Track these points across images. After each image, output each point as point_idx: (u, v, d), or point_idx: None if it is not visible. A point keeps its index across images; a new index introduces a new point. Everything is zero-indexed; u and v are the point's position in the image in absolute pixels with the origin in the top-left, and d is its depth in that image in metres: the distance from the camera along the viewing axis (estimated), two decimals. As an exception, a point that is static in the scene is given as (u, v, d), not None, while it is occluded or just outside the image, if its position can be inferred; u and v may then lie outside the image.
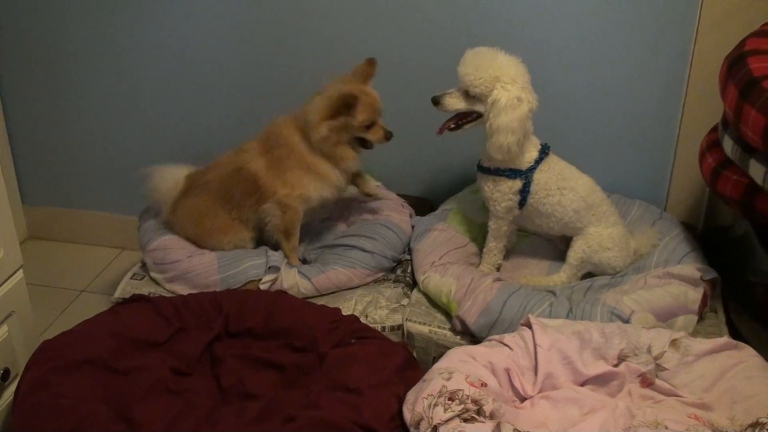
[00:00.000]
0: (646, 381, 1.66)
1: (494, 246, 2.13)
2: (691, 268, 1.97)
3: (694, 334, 1.82)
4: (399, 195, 2.43)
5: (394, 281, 2.15)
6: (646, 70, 2.25)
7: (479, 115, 1.98)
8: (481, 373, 1.61)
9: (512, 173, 2.01)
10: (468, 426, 1.45)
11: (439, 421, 1.46)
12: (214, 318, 1.84)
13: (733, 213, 2.17)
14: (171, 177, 2.20)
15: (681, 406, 1.58)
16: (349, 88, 2.04)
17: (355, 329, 1.80)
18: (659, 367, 1.66)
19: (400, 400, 1.59)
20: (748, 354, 1.62)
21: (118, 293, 2.10)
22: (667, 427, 1.48)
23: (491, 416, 1.50)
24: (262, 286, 2.03)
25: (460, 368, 1.60)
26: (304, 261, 2.22)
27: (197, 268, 2.06)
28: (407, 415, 1.54)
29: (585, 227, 2.08)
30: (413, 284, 2.13)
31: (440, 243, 2.15)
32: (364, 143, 2.12)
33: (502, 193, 2.03)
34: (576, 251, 2.09)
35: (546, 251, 2.26)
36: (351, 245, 2.16)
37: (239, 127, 2.60)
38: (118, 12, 2.49)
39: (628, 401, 1.62)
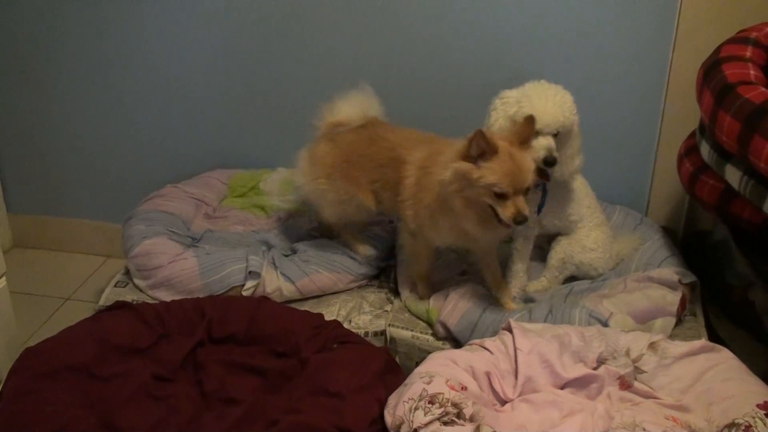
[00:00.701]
0: (624, 384, 1.67)
1: (520, 268, 2.05)
2: (670, 271, 1.99)
3: (673, 337, 1.84)
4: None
5: (378, 287, 2.17)
6: (625, 79, 2.29)
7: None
8: (461, 376, 1.62)
9: (539, 184, 1.92)
10: (447, 429, 1.46)
11: (419, 425, 1.47)
12: (197, 324, 1.85)
13: (712, 218, 2.20)
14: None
15: (659, 408, 1.60)
16: (493, 137, 1.69)
17: (337, 334, 1.81)
18: (638, 370, 1.68)
19: (382, 404, 1.60)
20: (725, 356, 1.64)
21: (103, 301, 2.10)
22: (644, 429, 1.49)
23: (471, 419, 1.51)
24: (245, 293, 2.04)
25: (441, 372, 1.61)
26: (293, 251, 2.21)
27: (179, 274, 2.07)
28: (388, 418, 1.55)
29: (581, 220, 2.08)
30: (397, 289, 2.15)
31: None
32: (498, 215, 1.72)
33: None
34: (557, 252, 2.09)
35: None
36: (339, 247, 2.18)
37: (225, 136, 2.62)
38: (105, 19, 2.50)
39: (607, 404, 1.63)
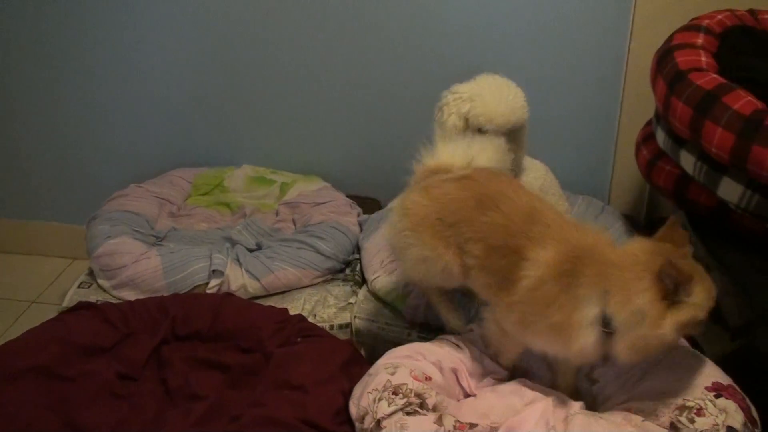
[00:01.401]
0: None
1: None
2: (630, 258, 2.01)
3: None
4: (348, 196, 2.46)
5: (343, 280, 2.17)
6: (583, 69, 2.32)
7: None
8: (427, 368, 1.63)
9: None
10: (410, 419, 1.47)
11: (383, 415, 1.48)
12: (161, 322, 1.84)
13: (671, 204, 2.23)
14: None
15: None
16: (680, 264, 1.34)
17: (301, 328, 1.82)
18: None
19: (346, 395, 1.61)
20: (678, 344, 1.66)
21: (66, 302, 2.09)
22: (602, 417, 1.51)
23: (434, 409, 1.52)
24: (210, 291, 2.03)
25: (405, 363, 1.62)
26: (258, 247, 2.21)
27: (143, 274, 2.06)
28: (353, 409, 1.56)
29: None
30: (362, 282, 2.15)
31: (389, 240, 2.16)
32: None
33: None
34: None
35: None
36: (304, 243, 2.17)
37: (188, 134, 2.62)
38: (64, 22, 2.49)
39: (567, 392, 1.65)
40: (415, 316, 1.96)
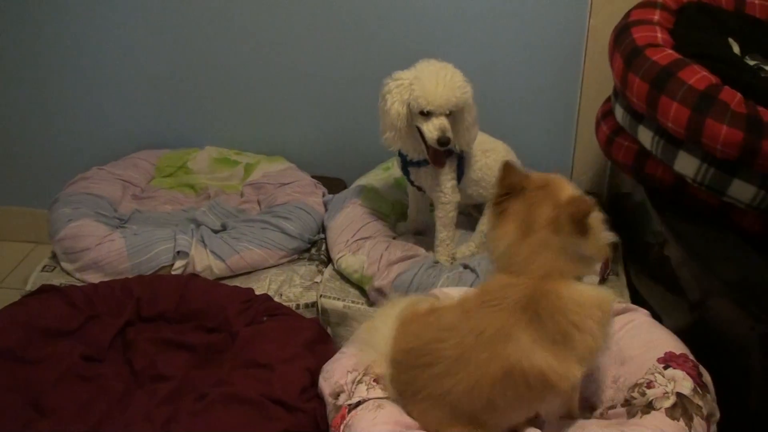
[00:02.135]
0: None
1: (446, 236, 2.06)
2: (592, 232, 2.04)
3: (596, 295, 1.88)
4: (313, 177, 2.46)
5: (309, 259, 2.18)
6: (544, 47, 2.33)
7: None
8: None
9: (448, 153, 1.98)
10: (386, 402, 1.48)
11: (360, 398, 1.48)
12: (126, 304, 1.84)
13: (631, 180, 2.26)
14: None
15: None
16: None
17: (267, 308, 1.83)
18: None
19: (312, 373, 1.61)
20: (639, 314, 1.69)
21: (29, 286, 2.07)
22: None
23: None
24: (175, 272, 2.03)
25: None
26: (223, 228, 2.21)
27: (107, 256, 2.05)
28: (324, 385, 1.55)
29: None
30: (328, 261, 2.17)
31: (354, 219, 2.17)
32: None
33: (444, 174, 2.00)
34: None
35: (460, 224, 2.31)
36: (269, 223, 2.17)
37: (151, 116, 2.60)
38: (23, 3, 2.45)
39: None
40: (378, 301, 1.98)
